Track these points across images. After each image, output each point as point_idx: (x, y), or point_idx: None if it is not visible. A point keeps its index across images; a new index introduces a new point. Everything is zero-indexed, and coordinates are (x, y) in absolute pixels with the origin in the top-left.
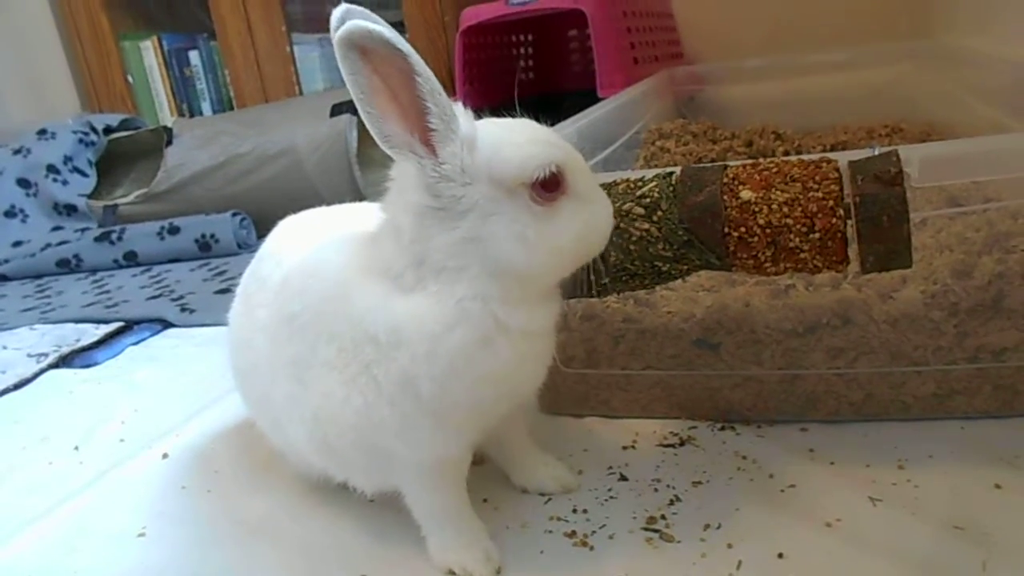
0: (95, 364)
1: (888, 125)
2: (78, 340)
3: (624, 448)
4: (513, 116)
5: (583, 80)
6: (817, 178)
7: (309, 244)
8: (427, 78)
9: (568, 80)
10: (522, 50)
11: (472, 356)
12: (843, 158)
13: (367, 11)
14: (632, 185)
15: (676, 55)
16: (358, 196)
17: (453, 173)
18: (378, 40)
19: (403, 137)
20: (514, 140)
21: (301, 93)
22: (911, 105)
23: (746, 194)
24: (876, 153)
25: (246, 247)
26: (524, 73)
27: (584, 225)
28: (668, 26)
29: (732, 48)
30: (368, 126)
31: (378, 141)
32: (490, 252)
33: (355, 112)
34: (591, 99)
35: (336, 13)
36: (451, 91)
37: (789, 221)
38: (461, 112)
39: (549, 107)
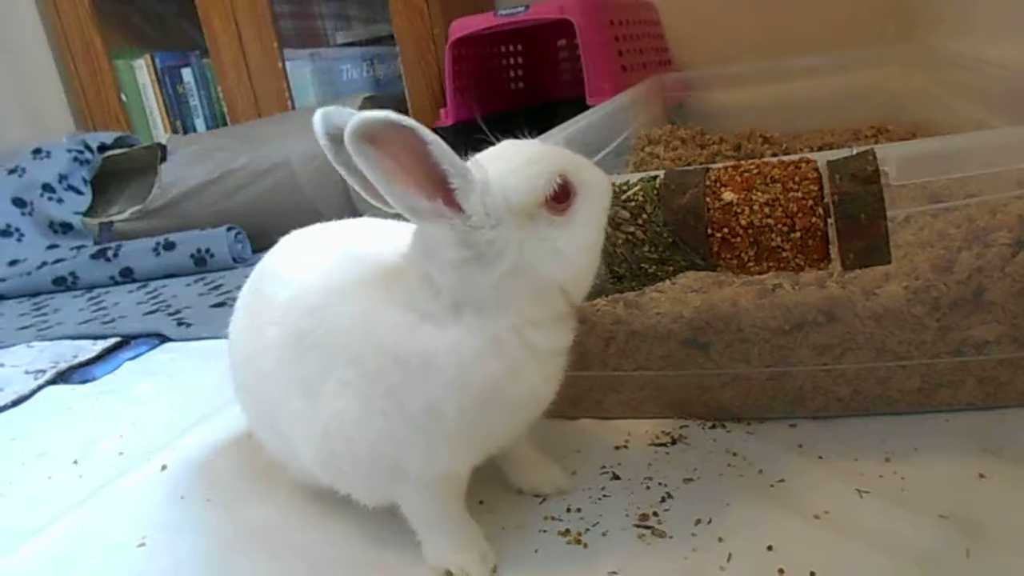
0: (93, 379)
1: (874, 127)
2: (75, 356)
3: (616, 448)
4: (504, 126)
5: (573, 89)
6: (797, 178)
7: (316, 263)
8: (437, 143)
9: (558, 89)
10: (512, 60)
11: (501, 385)
12: (822, 158)
13: (340, 108)
14: (617, 189)
15: (665, 62)
16: (352, 209)
17: (481, 221)
18: (386, 125)
19: (430, 206)
20: (514, 168)
21: (294, 108)
22: (897, 107)
23: (728, 196)
24: (854, 153)
25: (241, 261)
26: (514, 83)
27: (598, 215)
28: (656, 33)
29: (720, 54)
30: (395, 206)
31: (407, 215)
32: (533, 276)
33: None
34: (581, 108)
35: (317, 118)
36: (441, 103)
37: (770, 221)
38: (468, 163)
39: (540, 117)
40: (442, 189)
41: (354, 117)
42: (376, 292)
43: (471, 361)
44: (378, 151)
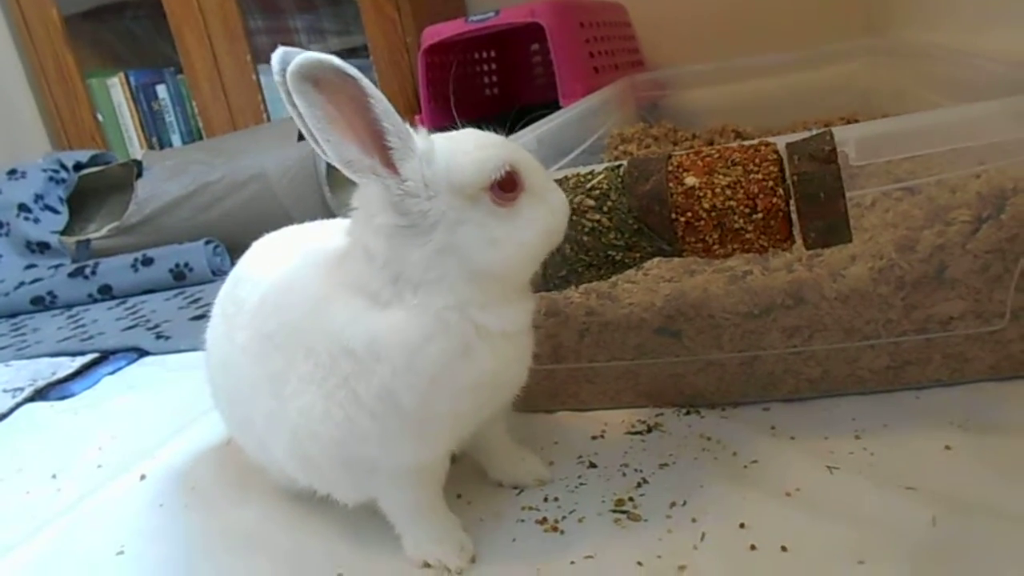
0: (71, 395)
1: (844, 118)
2: (54, 373)
3: (593, 438)
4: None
5: (547, 93)
6: (757, 160)
7: (283, 263)
8: (379, 99)
9: (533, 94)
10: (485, 67)
11: (452, 366)
12: (781, 140)
13: (302, 50)
14: (582, 178)
15: (636, 63)
16: (330, 217)
17: (416, 189)
18: (329, 69)
19: (364, 161)
20: (465, 148)
21: (269, 121)
22: (867, 100)
23: (690, 180)
24: (812, 134)
25: (220, 274)
26: (489, 89)
27: (545, 218)
28: (627, 35)
29: (691, 53)
30: (329, 155)
31: (341, 168)
32: (464, 259)
33: None
34: (554, 111)
35: (276, 56)
36: (416, 110)
37: (732, 203)
38: (415, 130)
39: (515, 122)
40: (380, 147)
41: (299, 56)
42: (325, 279)
43: (418, 344)
44: (320, 95)
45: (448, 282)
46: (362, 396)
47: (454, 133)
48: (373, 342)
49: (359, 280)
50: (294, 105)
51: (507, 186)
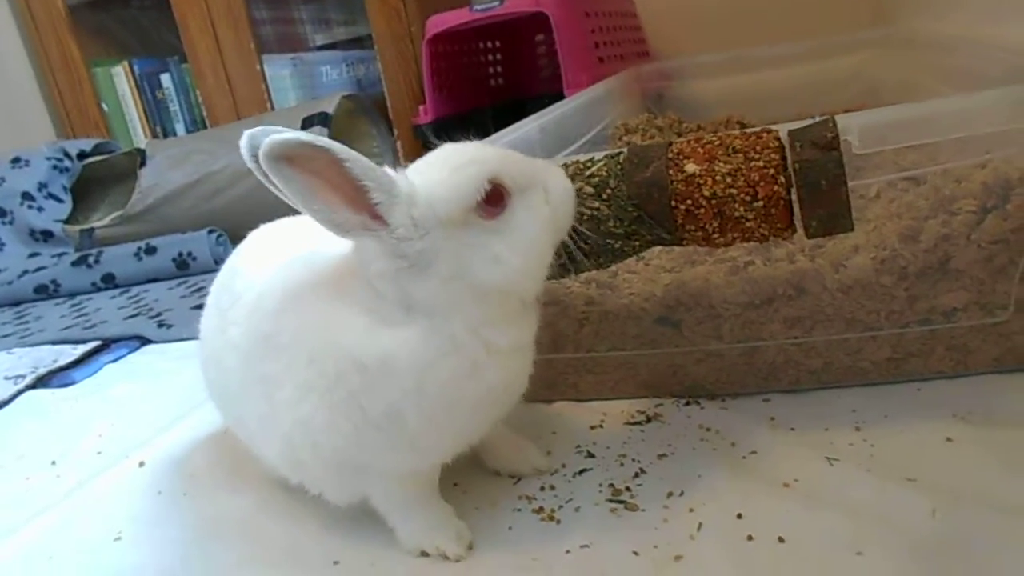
0: (73, 383)
1: (849, 110)
2: (55, 361)
3: (592, 428)
4: (483, 122)
5: (552, 84)
6: (758, 148)
7: (278, 262)
8: (355, 160)
9: (538, 85)
10: (490, 56)
11: (461, 386)
12: (783, 128)
13: (269, 127)
14: (582, 166)
15: (642, 53)
16: None
17: (408, 232)
18: (298, 145)
19: (354, 220)
20: (441, 176)
21: (273, 110)
22: (875, 92)
23: (690, 167)
24: (815, 121)
25: (223, 263)
26: (493, 79)
27: (541, 214)
28: (632, 25)
29: (698, 44)
30: (318, 222)
31: (332, 231)
32: (472, 282)
33: (326, 124)
34: (559, 101)
35: (244, 141)
36: (421, 100)
37: (733, 191)
38: (394, 174)
39: (519, 112)
40: (366, 204)
41: (267, 138)
42: (333, 294)
43: (429, 364)
44: (296, 170)
45: (460, 305)
46: (368, 411)
47: (431, 158)
48: (385, 357)
49: (367, 303)
50: (272, 183)
51: (493, 200)
